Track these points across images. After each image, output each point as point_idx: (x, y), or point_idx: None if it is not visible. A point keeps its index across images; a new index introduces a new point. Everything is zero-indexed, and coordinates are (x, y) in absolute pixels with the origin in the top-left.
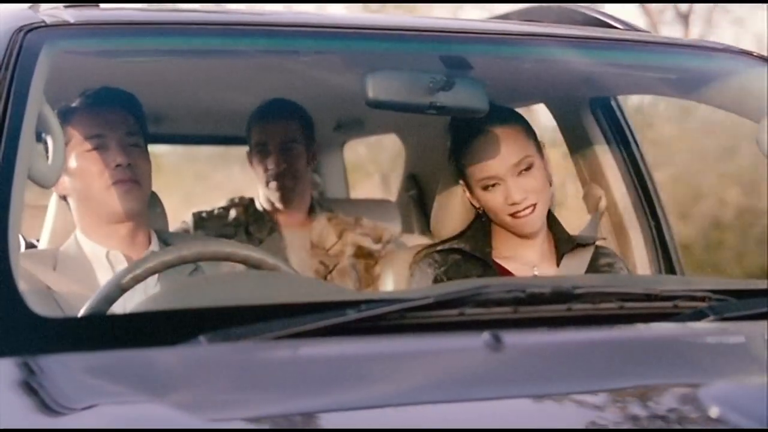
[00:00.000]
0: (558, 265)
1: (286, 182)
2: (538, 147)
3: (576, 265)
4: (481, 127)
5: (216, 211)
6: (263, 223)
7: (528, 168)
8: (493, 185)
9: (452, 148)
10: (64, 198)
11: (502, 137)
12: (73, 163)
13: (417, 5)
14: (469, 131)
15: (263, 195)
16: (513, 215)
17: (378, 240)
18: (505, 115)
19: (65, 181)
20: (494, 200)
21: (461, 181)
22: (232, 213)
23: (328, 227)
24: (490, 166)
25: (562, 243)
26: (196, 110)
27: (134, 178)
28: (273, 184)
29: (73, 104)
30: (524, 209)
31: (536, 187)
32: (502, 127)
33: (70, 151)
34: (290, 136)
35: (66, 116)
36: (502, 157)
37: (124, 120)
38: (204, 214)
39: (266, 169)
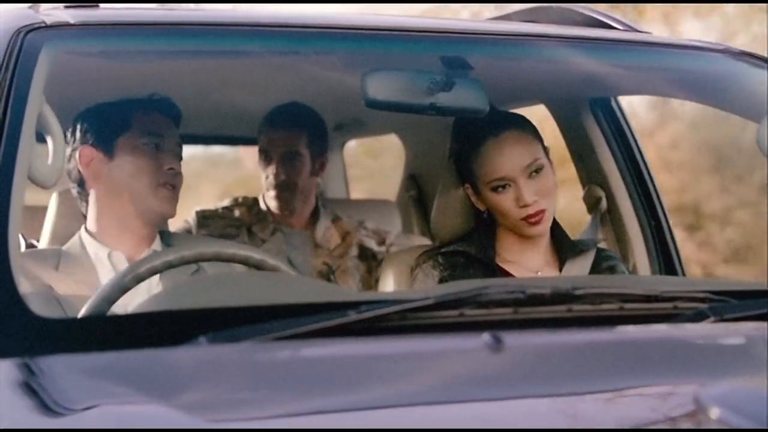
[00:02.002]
0: (560, 270)
1: (284, 193)
2: (545, 151)
3: (578, 270)
4: (491, 129)
5: (219, 211)
6: (266, 223)
7: (538, 170)
8: (504, 186)
9: (458, 149)
10: (80, 185)
11: (514, 139)
12: (124, 152)
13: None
14: (478, 133)
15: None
16: (524, 218)
17: (381, 242)
18: (514, 118)
19: (101, 168)
20: (504, 202)
21: (466, 184)
22: (236, 212)
23: (332, 228)
24: (502, 167)
25: (565, 248)
26: (197, 110)
27: (177, 186)
28: (271, 193)
29: (136, 98)
30: (535, 213)
31: (546, 189)
32: (513, 130)
33: (124, 140)
34: (293, 148)
35: (129, 106)
36: (515, 158)
37: (176, 130)
38: (207, 213)
39: (267, 177)
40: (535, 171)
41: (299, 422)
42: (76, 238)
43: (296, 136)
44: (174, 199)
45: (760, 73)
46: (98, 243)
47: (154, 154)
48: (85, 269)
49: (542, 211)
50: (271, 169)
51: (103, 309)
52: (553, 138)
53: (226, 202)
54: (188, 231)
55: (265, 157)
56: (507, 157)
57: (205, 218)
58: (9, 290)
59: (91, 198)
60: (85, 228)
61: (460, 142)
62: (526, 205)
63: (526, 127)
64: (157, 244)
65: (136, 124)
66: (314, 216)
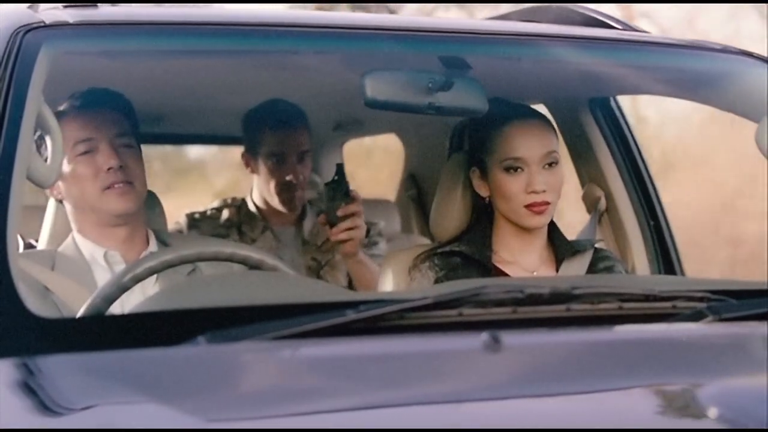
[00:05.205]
0: (557, 270)
1: (298, 193)
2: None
3: (575, 270)
4: (518, 113)
5: (209, 212)
6: (255, 222)
7: (553, 164)
8: (516, 169)
9: (475, 129)
10: (60, 201)
11: (539, 127)
12: (65, 168)
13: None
14: (504, 114)
15: (260, 197)
16: (528, 205)
17: (366, 234)
18: (540, 113)
19: (59, 185)
20: (513, 185)
21: (474, 168)
22: (225, 213)
23: (318, 224)
24: (523, 148)
25: (562, 248)
26: (196, 110)
27: (127, 180)
28: (286, 195)
29: (61, 107)
30: (541, 203)
31: (555, 184)
32: (540, 120)
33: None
34: (306, 146)
35: (58, 118)
36: (536, 143)
37: (114, 121)
38: (197, 215)
39: (280, 179)
40: (549, 163)
41: (298, 422)
42: (69, 239)
43: (306, 134)
44: (126, 193)
45: (760, 72)
46: (93, 243)
47: (89, 161)
48: (81, 269)
49: (547, 203)
50: (288, 171)
51: (101, 309)
52: None
53: (215, 204)
54: (179, 232)
55: (278, 159)
56: (529, 140)
57: (195, 220)
58: (8, 290)
59: (66, 207)
60: (76, 230)
61: (482, 120)
62: (534, 192)
63: (548, 122)
64: (153, 245)
65: (66, 135)
66: (302, 213)
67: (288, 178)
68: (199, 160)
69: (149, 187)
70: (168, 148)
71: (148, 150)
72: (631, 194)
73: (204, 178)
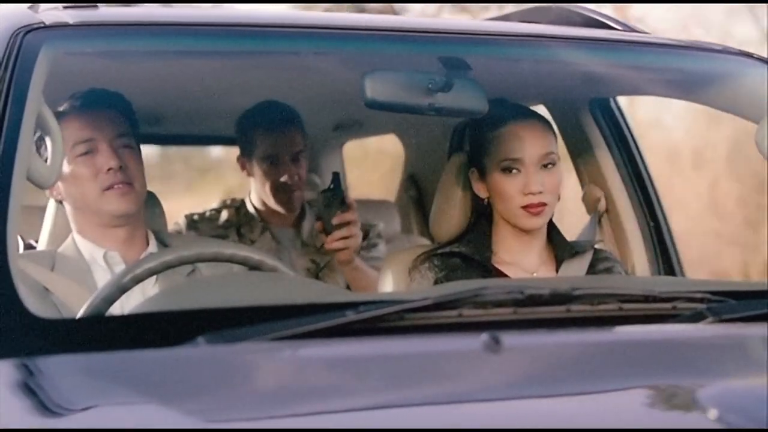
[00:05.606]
0: (557, 271)
1: (296, 193)
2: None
3: (575, 271)
4: (517, 113)
5: (208, 213)
6: (254, 224)
7: (550, 165)
8: (513, 170)
9: (474, 130)
10: (59, 202)
11: (537, 128)
12: (65, 168)
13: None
14: (503, 115)
15: (258, 199)
16: (525, 207)
17: (365, 236)
18: (539, 114)
19: (59, 186)
20: (510, 186)
21: (473, 168)
22: (224, 215)
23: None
24: (520, 149)
25: (562, 249)
26: (196, 111)
27: (127, 180)
28: (283, 197)
29: (61, 108)
30: (538, 204)
31: (552, 185)
32: (537, 121)
33: None
34: (300, 146)
35: (57, 119)
36: (534, 144)
37: (113, 121)
38: (196, 216)
39: (275, 181)
40: (547, 164)
41: (298, 423)
42: (69, 239)
43: (300, 135)
44: (126, 194)
45: (760, 73)
46: (92, 244)
47: (89, 162)
48: (81, 270)
49: (543, 204)
50: (283, 172)
51: (101, 309)
52: None
53: (214, 205)
54: (178, 233)
55: (273, 161)
56: (527, 141)
57: (194, 221)
58: (7, 291)
59: (66, 207)
60: (76, 231)
61: (481, 122)
62: (531, 193)
63: (547, 124)
64: (153, 245)
65: (66, 136)
66: (301, 214)
67: (283, 179)
68: (218, 159)
69: (172, 187)
70: (187, 149)
71: (168, 150)
72: (630, 195)
73: (222, 177)
